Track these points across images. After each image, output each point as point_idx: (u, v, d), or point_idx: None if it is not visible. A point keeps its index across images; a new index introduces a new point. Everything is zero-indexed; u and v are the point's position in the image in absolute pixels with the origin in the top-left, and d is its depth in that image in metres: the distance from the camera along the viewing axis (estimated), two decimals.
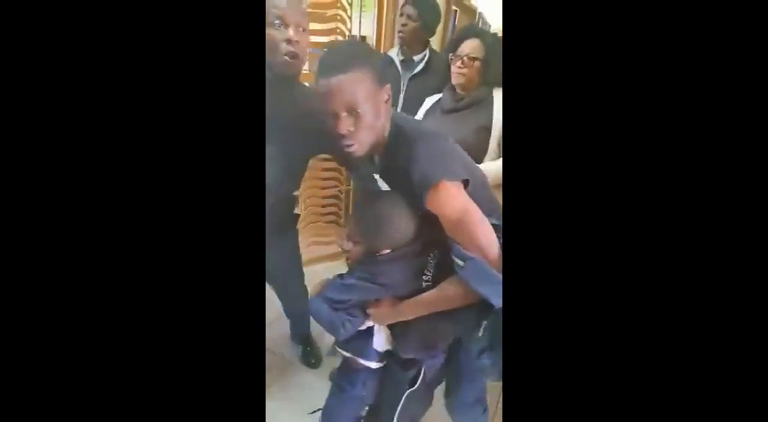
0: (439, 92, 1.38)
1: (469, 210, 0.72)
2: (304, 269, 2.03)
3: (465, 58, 1.23)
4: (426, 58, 1.52)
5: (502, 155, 1.24)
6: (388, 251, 0.81)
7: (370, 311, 0.85)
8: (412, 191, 0.73)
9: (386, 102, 0.75)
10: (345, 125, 0.71)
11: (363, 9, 1.97)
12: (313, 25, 1.75)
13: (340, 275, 0.87)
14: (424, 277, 0.80)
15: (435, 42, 1.84)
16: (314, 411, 1.09)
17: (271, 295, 1.36)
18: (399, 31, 1.51)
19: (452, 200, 0.71)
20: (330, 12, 1.77)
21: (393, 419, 0.93)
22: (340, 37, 1.83)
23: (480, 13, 3.64)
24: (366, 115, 0.71)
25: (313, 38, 1.77)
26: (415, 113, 1.45)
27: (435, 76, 1.47)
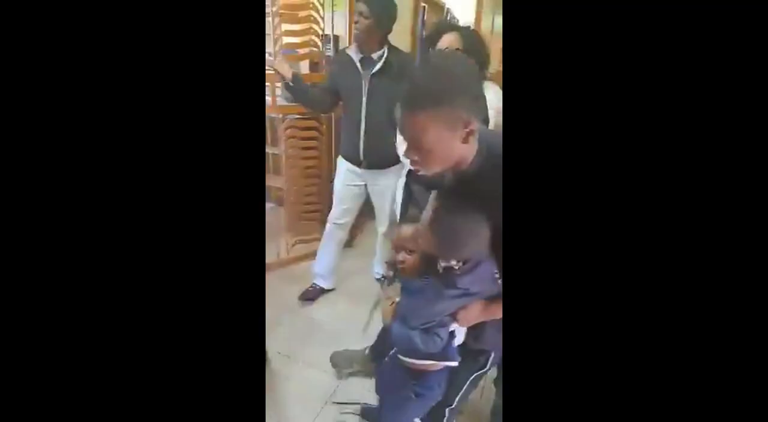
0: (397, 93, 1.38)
1: None
2: (291, 267, 2.08)
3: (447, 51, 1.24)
4: (384, 56, 1.50)
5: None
6: (460, 262, 0.83)
7: (459, 316, 0.87)
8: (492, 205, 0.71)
9: (467, 136, 0.70)
10: (412, 153, 0.72)
11: (334, 8, 2.00)
12: (286, 26, 1.77)
13: (408, 293, 0.88)
14: (496, 275, 0.85)
15: (406, 39, 1.84)
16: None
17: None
18: (354, 30, 1.49)
19: None
20: (302, 13, 1.79)
21: (455, 401, 1.03)
22: (314, 37, 1.85)
23: (448, 9, 3.71)
24: (434, 151, 0.70)
25: (287, 39, 1.80)
26: (378, 110, 1.48)
27: (396, 72, 1.47)
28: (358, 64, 1.51)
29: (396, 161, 1.56)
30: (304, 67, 2.04)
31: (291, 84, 1.50)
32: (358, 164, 1.62)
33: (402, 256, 0.91)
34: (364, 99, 1.52)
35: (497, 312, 0.86)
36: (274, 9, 1.70)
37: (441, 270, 0.84)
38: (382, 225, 1.77)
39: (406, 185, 1.41)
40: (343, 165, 1.69)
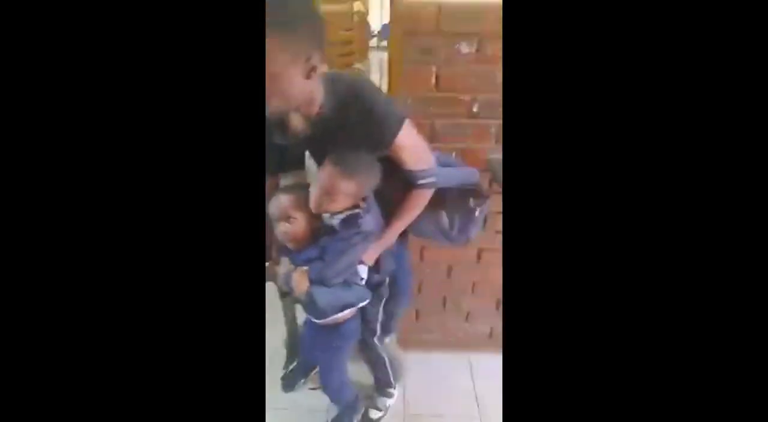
0: None
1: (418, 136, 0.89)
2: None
3: None
4: None
5: None
6: (362, 204, 0.88)
7: (365, 260, 0.93)
8: (371, 137, 0.82)
9: (309, 71, 0.73)
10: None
11: None
12: None
13: (317, 258, 0.89)
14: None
15: None
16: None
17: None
18: None
19: (413, 133, 0.87)
20: None
21: (377, 329, 1.13)
22: None
23: None
24: (276, 83, 0.70)
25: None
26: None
27: None
28: None
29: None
30: None
31: None
32: None
33: (283, 228, 0.90)
34: None
35: (391, 240, 0.95)
36: None
37: (337, 224, 0.86)
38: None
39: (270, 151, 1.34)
40: None
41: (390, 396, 1.31)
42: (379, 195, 0.92)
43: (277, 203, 0.90)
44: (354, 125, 0.80)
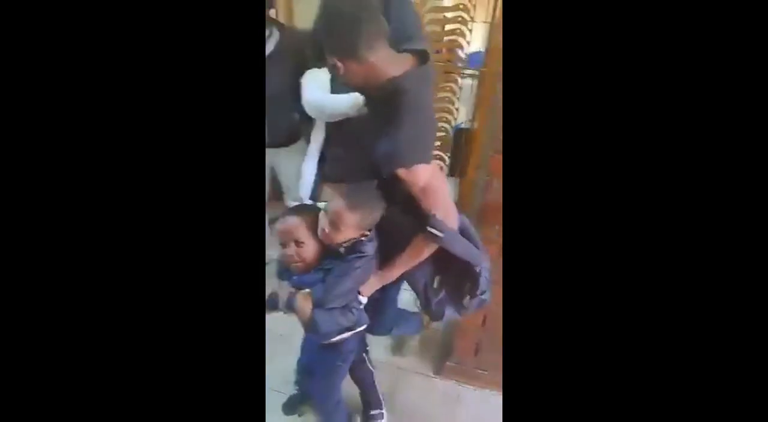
0: (302, 69, 1.33)
1: (435, 175, 0.86)
2: None
3: None
4: (276, 37, 1.44)
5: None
6: (366, 233, 0.89)
7: (362, 290, 0.94)
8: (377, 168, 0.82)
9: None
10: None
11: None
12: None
13: (319, 281, 0.89)
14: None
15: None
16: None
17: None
18: None
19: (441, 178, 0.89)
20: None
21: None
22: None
23: None
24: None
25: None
26: (280, 90, 1.38)
27: (292, 52, 1.38)
28: None
29: (297, 137, 1.57)
30: None
31: None
32: None
33: (290, 251, 0.89)
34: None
35: (390, 278, 0.95)
36: None
37: (343, 248, 0.87)
38: (293, 200, 1.69)
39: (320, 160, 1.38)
40: None
41: (380, 418, 1.31)
42: (388, 229, 0.92)
43: (286, 226, 0.89)
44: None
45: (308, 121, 1.34)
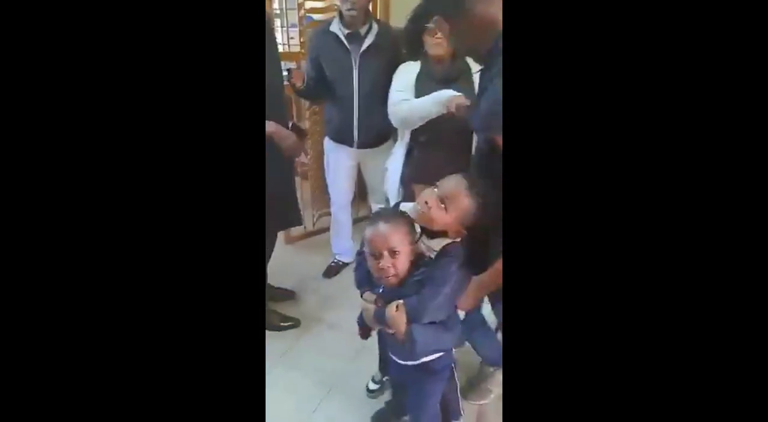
0: (394, 64, 1.42)
1: None
2: (316, 238, 2.18)
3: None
4: (373, 31, 1.46)
5: None
6: (461, 234, 0.80)
7: (459, 304, 0.84)
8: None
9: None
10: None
11: None
12: (310, 4, 1.77)
13: (412, 292, 0.80)
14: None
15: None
16: None
17: None
18: (349, 9, 1.41)
19: None
20: None
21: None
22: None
23: None
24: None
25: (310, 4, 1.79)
26: (371, 87, 1.46)
27: (388, 48, 1.44)
28: (345, 41, 1.46)
29: (387, 137, 1.60)
30: None
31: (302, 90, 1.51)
32: (351, 143, 1.59)
33: (386, 262, 0.77)
34: (355, 77, 1.48)
35: (492, 285, 0.81)
36: None
37: (433, 253, 0.80)
38: (378, 202, 1.77)
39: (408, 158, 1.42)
40: (333, 147, 1.67)
41: None
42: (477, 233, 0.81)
43: (378, 234, 0.78)
44: None
45: None
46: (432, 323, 0.80)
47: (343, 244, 1.93)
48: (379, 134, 1.58)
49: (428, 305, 0.78)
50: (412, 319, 0.79)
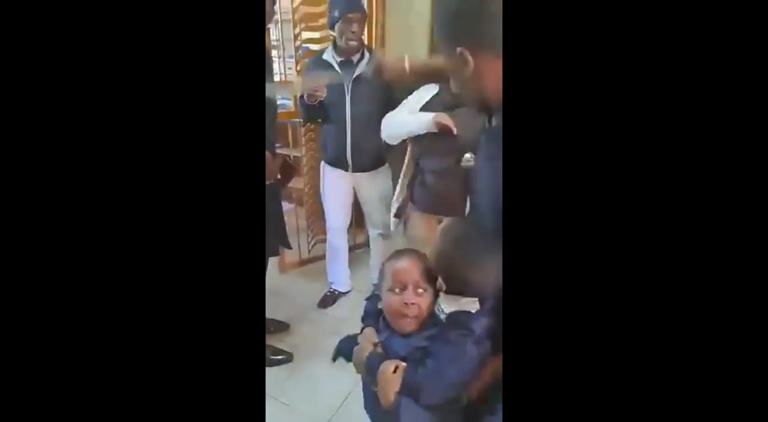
0: (385, 90, 1.47)
1: None
2: (311, 266, 2.13)
3: None
4: (365, 58, 1.51)
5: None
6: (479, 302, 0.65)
7: (470, 390, 0.65)
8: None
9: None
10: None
11: None
12: (306, 34, 1.83)
13: (419, 350, 0.65)
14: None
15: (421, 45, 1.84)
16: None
17: None
18: (350, 39, 1.46)
19: None
20: (322, 20, 1.82)
21: None
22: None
23: None
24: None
25: (306, 35, 1.84)
26: (363, 113, 1.50)
27: (378, 75, 1.44)
28: (338, 69, 1.51)
29: (382, 162, 1.63)
30: None
31: (305, 101, 1.52)
32: (346, 167, 1.62)
33: (411, 297, 0.66)
34: (348, 103, 1.53)
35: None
36: (296, 17, 1.76)
37: (446, 316, 0.65)
38: (374, 227, 1.78)
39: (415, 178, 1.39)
40: (328, 171, 1.69)
41: None
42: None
43: (405, 267, 0.68)
44: None
45: (392, 146, 1.38)
46: (430, 407, 0.64)
47: (340, 271, 1.89)
48: (372, 158, 1.61)
49: (427, 386, 0.62)
50: (405, 392, 0.63)
